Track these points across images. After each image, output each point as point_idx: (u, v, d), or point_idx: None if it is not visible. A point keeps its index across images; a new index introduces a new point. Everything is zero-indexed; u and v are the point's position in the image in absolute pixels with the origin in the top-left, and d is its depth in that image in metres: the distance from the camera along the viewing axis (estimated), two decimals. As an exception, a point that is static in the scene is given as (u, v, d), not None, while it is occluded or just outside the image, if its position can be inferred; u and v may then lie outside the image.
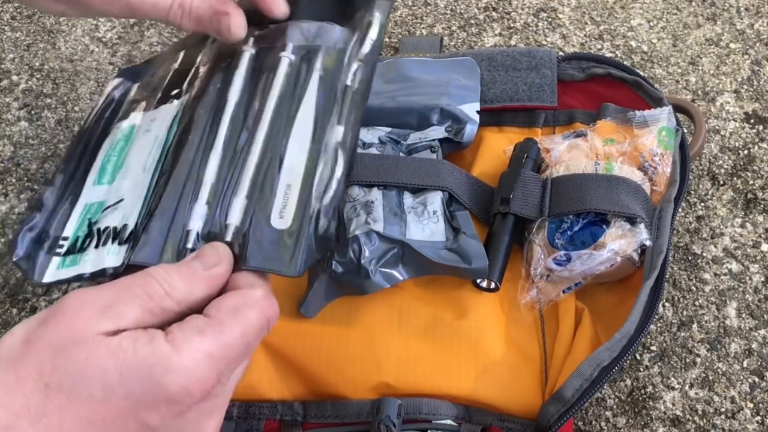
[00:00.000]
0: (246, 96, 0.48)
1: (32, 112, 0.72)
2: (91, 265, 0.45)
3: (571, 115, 0.59)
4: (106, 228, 0.47)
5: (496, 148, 0.57)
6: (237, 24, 0.46)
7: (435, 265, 0.48)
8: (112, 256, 0.45)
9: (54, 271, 0.47)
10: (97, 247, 0.46)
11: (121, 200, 0.48)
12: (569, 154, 0.54)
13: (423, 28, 0.74)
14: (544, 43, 0.72)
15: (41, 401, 0.31)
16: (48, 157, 0.68)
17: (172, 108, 0.53)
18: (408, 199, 0.52)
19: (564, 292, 0.51)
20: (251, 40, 0.51)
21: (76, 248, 0.47)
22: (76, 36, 0.78)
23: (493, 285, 0.50)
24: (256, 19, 0.50)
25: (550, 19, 0.74)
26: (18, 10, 0.81)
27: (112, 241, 0.46)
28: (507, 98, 0.59)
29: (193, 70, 0.54)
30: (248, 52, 0.50)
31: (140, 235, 0.44)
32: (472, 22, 0.74)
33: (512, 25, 0.74)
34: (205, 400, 0.33)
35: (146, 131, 0.52)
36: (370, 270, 0.47)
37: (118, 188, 0.49)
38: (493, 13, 0.75)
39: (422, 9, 0.76)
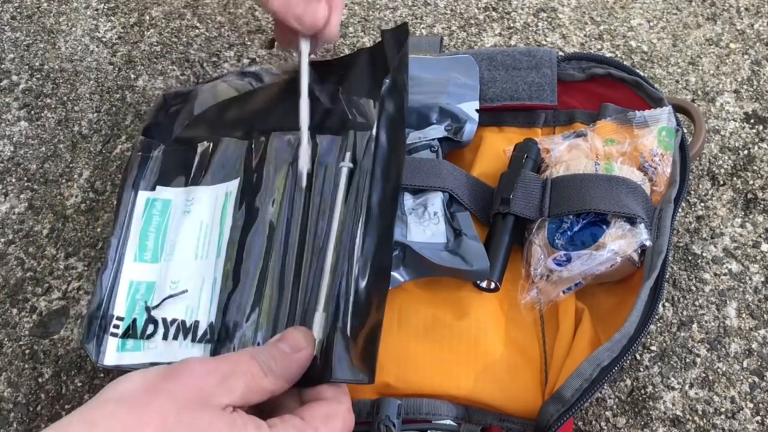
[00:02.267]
0: (317, 202, 0.51)
1: (32, 112, 0.72)
2: (164, 357, 0.48)
3: (571, 115, 0.59)
4: (174, 320, 0.50)
5: (496, 149, 0.57)
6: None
7: (436, 267, 0.48)
8: (187, 350, 0.48)
9: (115, 353, 0.50)
10: (165, 338, 0.49)
11: (184, 291, 0.51)
12: (569, 154, 0.54)
13: (423, 28, 0.74)
14: (544, 43, 0.72)
15: None
16: (48, 157, 0.68)
17: (218, 192, 0.55)
18: (408, 200, 0.52)
19: (564, 292, 0.51)
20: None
21: (138, 334, 0.50)
22: (76, 36, 0.78)
23: (493, 285, 0.50)
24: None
25: (550, 19, 0.74)
26: (18, 10, 0.81)
27: (185, 337, 0.49)
28: (507, 98, 0.59)
29: (241, 160, 0.56)
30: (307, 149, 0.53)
31: (233, 341, 0.47)
32: (472, 22, 0.74)
33: (512, 25, 0.74)
34: None
35: (186, 212, 0.54)
36: (371, 271, 0.47)
37: (169, 272, 0.52)
38: (493, 13, 0.75)
39: (422, 9, 0.76)
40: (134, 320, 0.50)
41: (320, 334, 0.44)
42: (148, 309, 0.50)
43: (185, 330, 0.49)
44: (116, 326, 0.50)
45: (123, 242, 0.54)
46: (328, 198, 0.50)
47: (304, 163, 0.52)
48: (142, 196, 0.56)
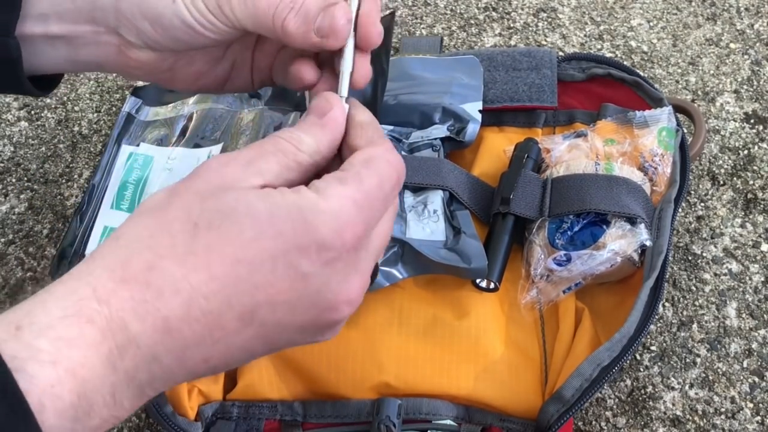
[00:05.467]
0: None
1: (32, 112, 0.72)
2: None
3: (571, 116, 0.59)
4: None
5: (497, 148, 0.57)
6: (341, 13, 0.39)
7: (434, 264, 0.48)
8: None
9: None
10: None
11: None
12: (569, 154, 0.54)
13: (423, 28, 0.74)
14: (544, 43, 0.72)
15: (189, 240, 0.30)
16: (48, 157, 0.68)
17: (200, 154, 0.57)
18: (409, 197, 0.52)
19: (564, 292, 0.51)
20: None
21: None
22: (76, 36, 0.78)
23: (492, 285, 0.50)
24: None
25: (550, 19, 0.74)
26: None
27: None
28: (507, 98, 0.59)
29: (227, 123, 0.59)
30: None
31: None
32: (472, 22, 0.74)
33: (512, 25, 0.74)
34: (355, 250, 0.32)
35: (167, 169, 0.57)
36: (370, 269, 0.47)
37: None
38: (493, 13, 0.75)
39: (422, 9, 0.76)
40: None
41: None
42: None
43: None
44: None
45: (102, 188, 0.57)
46: None
47: None
48: (126, 149, 0.59)
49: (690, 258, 0.57)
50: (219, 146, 0.57)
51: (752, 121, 0.64)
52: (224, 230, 0.31)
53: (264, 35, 0.42)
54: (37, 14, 0.42)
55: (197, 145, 0.58)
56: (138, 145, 0.60)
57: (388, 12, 0.47)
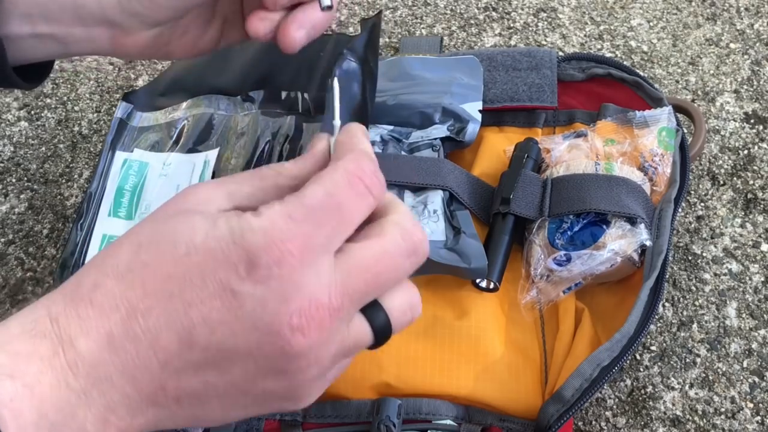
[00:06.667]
0: None
1: (32, 112, 0.72)
2: None
3: (571, 116, 0.59)
4: None
5: (497, 148, 0.57)
6: None
7: (434, 264, 0.48)
8: None
9: None
10: None
11: None
12: (569, 154, 0.54)
13: (423, 28, 0.74)
14: (544, 43, 0.72)
15: (130, 258, 0.31)
16: (48, 157, 0.68)
17: (196, 159, 0.57)
18: (408, 197, 0.52)
19: (564, 292, 0.51)
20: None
21: None
22: (76, 36, 0.78)
23: (492, 285, 0.50)
24: None
25: (550, 19, 0.74)
26: (18, 10, 0.81)
27: None
28: (507, 98, 0.59)
29: (222, 128, 0.59)
30: (288, 124, 0.55)
31: None
32: (472, 22, 0.74)
33: (512, 25, 0.74)
34: (290, 266, 0.30)
35: (163, 175, 0.56)
36: (370, 270, 0.47)
37: None
38: (493, 13, 0.75)
39: (422, 9, 0.76)
40: None
41: None
42: None
43: None
44: None
45: (99, 196, 0.56)
46: None
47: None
48: (120, 156, 0.59)
49: (690, 258, 0.57)
50: (215, 151, 0.57)
51: (752, 121, 0.64)
52: (161, 248, 0.31)
53: None
54: (21, 13, 0.41)
55: (192, 150, 0.58)
56: (132, 151, 0.59)
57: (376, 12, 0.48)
